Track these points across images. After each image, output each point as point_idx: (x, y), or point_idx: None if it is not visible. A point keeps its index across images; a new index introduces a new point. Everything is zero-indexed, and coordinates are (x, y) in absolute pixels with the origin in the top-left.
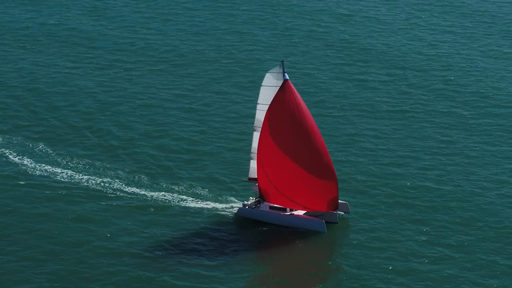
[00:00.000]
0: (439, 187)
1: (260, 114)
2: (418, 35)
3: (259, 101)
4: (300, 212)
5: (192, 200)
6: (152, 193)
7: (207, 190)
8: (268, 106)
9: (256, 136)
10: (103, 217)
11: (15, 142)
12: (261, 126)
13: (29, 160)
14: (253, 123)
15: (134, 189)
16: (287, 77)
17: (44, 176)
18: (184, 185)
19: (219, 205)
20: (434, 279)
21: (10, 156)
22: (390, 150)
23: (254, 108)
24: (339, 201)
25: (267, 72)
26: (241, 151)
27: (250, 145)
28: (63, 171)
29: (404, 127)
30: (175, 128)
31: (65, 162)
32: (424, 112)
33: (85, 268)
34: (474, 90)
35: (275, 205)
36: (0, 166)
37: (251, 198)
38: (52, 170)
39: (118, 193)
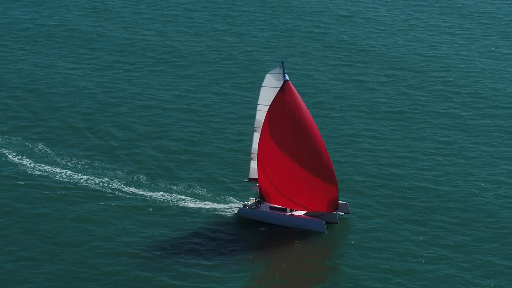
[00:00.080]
0: (437, 187)
1: (261, 115)
2: (417, 36)
3: (259, 102)
4: (300, 213)
5: (191, 200)
6: (151, 193)
7: (206, 190)
8: (269, 106)
9: (256, 136)
10: (102, 217)
11: (14, 142)
12: (261, 127)
13: (28, 160)
14: (253, 123)
15: (133, 189)
16: (287, 78)
17: (43, 176)
18: (183, 185)
19: (217, 206)
20: (431, 279)
21: (9, 156)
22: (388, 150)
23: (253, 109)
24: (339, 201)
25: (267, 73)
26: (240, 152)
27: (250, 145)
28: (62, 171)
29: (402, 128)
30: (174, 129)
31: (64, 163)
32: (422, 112)
33: (84, 268)
34: (472, 91)
35: (275, 205)
36: (0, 167)
37: (251, 198)
38: (51, 170)
39: (117, 193)
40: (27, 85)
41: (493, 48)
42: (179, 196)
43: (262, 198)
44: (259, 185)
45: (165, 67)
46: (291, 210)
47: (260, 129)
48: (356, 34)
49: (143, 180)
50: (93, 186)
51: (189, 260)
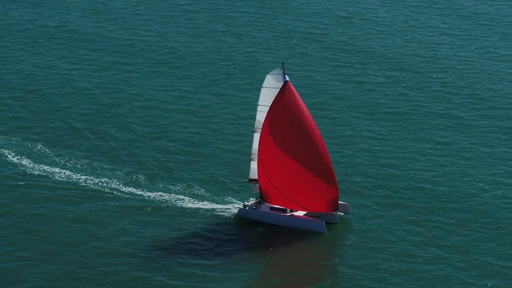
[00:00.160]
0: (435, 188)
1: (261, 116)
2: (416, 37)
3: (259, 103)
4: (301, 213)
5: (190, 200)
6: (150, 194)
7: (204, 190)
8: (269, 107)
9: (256, 137)
10: (101, 217)
11: (14, 142)
12: (261, 127)
13: (27, 160)
14: (252, 124)
15: (132, 190)
16: (287, 78)
17: (43, 177)
18: (182, 186)
19: (216, 206)
20: (429, 279)
21: (9, 156)
22: (386, 151)
23: (252, 109)
24: (339, 202)
25: (267, 74)
26: (238, 152)
27: (249, 146)
28: (61, 171)
29: (401, 129)
30: (173, 129)
31: (63, 163)
32: (421, 113)
33: (83, 268)
34: (471, 92)
35: (275, 206)
36: None
37: (252, 199)
38: (51, 171)
39: (116, 194)
40: (27, 86)
41: (492, 49)
42: (178, 196)
43: (262, 198)
44: (259, 185)
45: (165, 68)
46: (291, 211)
47: (260, 130)
48: (355, 35)
49: (142, 180)
50: (92, 186)
51: (188, 260)
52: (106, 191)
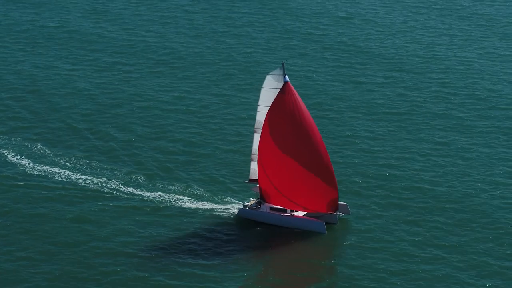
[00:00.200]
0: (434, 188)
1: (261, 116)
2: (415, 38)
3: (259, 103)
4: (301, 213)
5: (189, 200)
6: (149, 194)
7: (204, 190)
8: (269, 107)
9: (256, 137)
10: (100, 217)
11: (14, 143)
12: (261, 128)
13: (27, 160)
14: (251, 125)
15: (131, 190)
16: (287, 79)
17: (42, 177)
18: (181, 186)
19: (215, 206)
20: (427, 278)
21: (8, 156)
22: (386, 151)
23: (252, 110)
24: (339, 202)
25: (267, 74)
26: (238, 153)
27: (248, 146)
28: (61, 171)
29: (400, 129)
30: (173, 130)
31: (63, 163)
32: (420, 114)
33: (82, 268)
34: (470, 93)
35: (275, 206)
36: None
37: (252, 199)
38: (50, 171)
39: (116, 194)
40: (27, 86)
41: (491, 50)
42: (177, 196)
43: (262, 198)
44: (259, 185)
45: (165, 68)
46: (291, 211)
47: (261, 130)
48: (355, 36)
49: (142, 180)
50: (91, 186)
51: (187, 260)
52: (105, 191)
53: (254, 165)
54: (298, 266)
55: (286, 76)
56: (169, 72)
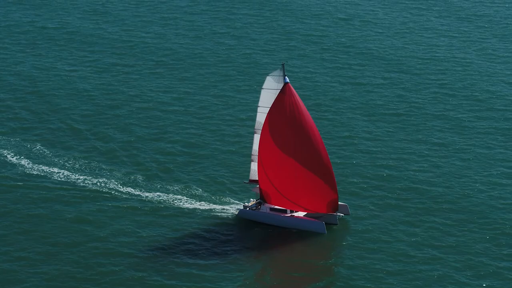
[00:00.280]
0: (431, 188)
1: (261, 117)
2: (414, 39)
3: (259, 104)
4: (301, 214)
5: (188, 201)
6: (148, 194)
7: (203, 191)
8: (269, 108)
9: (256, 138)
10: (99, 217)
11: (13, 143)
12: (261, 129)
13: (26, 161)
14: (250, 125)
15: (130, 190)
16: (287, 80)
17: (41, 177)
18: (180, 186)
19: (214, 206)
20: (424, 279)
21: (8, 157)
22: (384, 152)
23: (251, 111)
24: (339, 203)
25: (267, 75)
26: (237, 153)
27: (247, 147)
28: (59, 171)
29: (398, 130)
30: (172, 131)
31: (62, 163)
32: (418, 115)
33: (80, 268)
34: (468, 94)
35: (275, 206)
36: None
37: (252, 199)
38: (49, 171)
39: (115, 194)
40: (26, 87)
41: (490, 51)
42: (176, 196)
43: (262, 199)
44: (259, 186)
45: (164, 69)
46: (292, 211)
47: (261, 131)
48: (354, 37)
49: (141, 181)
50: (90, 186)
51: (184, 260)
52: (104, 191)
53: (254, 166)
54: (296, 266)
55: (286, 77)
56: (168, 73)
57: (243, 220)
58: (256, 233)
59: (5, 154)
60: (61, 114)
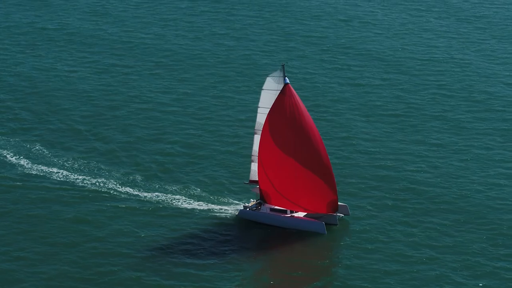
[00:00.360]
0: (429, 189)
1: (261, 117)
2: (413, 40)
3: (260, 105)
4: (301, 214)
5: (187, 201)
6: (147, 194)
7: (201, 191)
8: (269, 109)
9: (257, 139)
10: (97, 218)
11: (12, 143)
12: (262, 129)
13: (26, 161)
14: (249, 126)
15: (129, 190)
16: (287, 81)
17: (41, 177)
18: (179, 187)
19: (213, 206)
20: (421, 279)
21: (7, 157)
22: (382, 152)
23: (250, 111)
24: (339, 203)
25: (268, 76)
26: (235, 154)
27: (246, 148)
28: (59, 171)
29: (397, 130)
30: (172, 131)
31: (61, 164)
32: (417, 115)
33: (78, 268)
34: (466, 95)
35: (275, 207)
36: None
37: (252, 200)
38: (49, 171)
39: (114, 194)
40: (26, 88)
41: (488, 52)
42: (175, 197)
43: (262, 199)
44: (259, 187)
45: (163, 70)
46: (292, 212)
47: (261, 132)
48: (354, 38)
49: (140, 181)
50: (89, 187)
51: (182, 260)
52: (103, 191)
53: (254, 166)
54: (294, 267)
55: (286, 78)
56: (168, 74)
57: (241, 220)
58: (255, 233)
59: (5, 154)
60: (60, 115)
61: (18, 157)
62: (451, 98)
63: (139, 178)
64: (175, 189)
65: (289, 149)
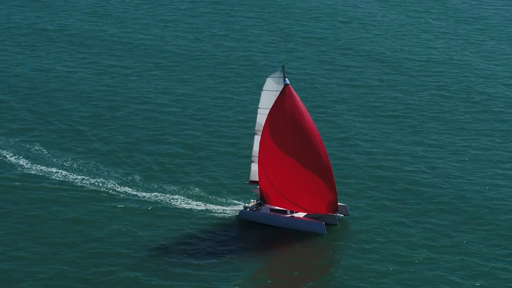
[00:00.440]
0: (427, 189)
1: (261, 118)
2: (412, 41)
3: (260, 105)
4: (301, 215)
5: (186, 201)
6: (146, 195)
7: (201, 191)
8: (269, 110)
9: (257, 139)
10: (96, 218)
11: (12, 144)
12: (262, 130)
13: (25, 161)
14: (248, 127)
15: (128, 191)
16: (287, 81)
17: (40, 177)
18: (178, 187)
19: (212, 207)
20: (418, 279)
21: (7, 157)
22: (380, 153)
23: (249, 112)
24: (339, 203)
25: (268, 77)
26: (235, 155)
27: (246, 148)
28: (58, 171)
29: (395, 131)
30: (171, 132)
31: (60, 164)
32: (415, 116)
33: (77, 268)
34: (465, 96)
35: (275, 207)
36: None
37: (252, 200)
38: (48, 171)
39: (113, 195)
40: (26, 88)
41: (487, 53)
42: (174, 197)
43: (263, 200)
44: (259, 187)
45: (163, 71)
46: (292, 212)
47: (261, 132)
48: (352, 39)
49: (139, 181)
50: (88, 187)
51: (182, 260)
52: (102, 192)
53: (254, 167)
54: (293, 266)
55: (286, 78)
56: (167, 75)
57: (241, 220)
58: (254, 233)
59: (4, 155)
60: (60, 115)
61: (17, 157)
62: (450, 99)
63: (138, 178)
64: (174, 190)
65: (289, 150)
